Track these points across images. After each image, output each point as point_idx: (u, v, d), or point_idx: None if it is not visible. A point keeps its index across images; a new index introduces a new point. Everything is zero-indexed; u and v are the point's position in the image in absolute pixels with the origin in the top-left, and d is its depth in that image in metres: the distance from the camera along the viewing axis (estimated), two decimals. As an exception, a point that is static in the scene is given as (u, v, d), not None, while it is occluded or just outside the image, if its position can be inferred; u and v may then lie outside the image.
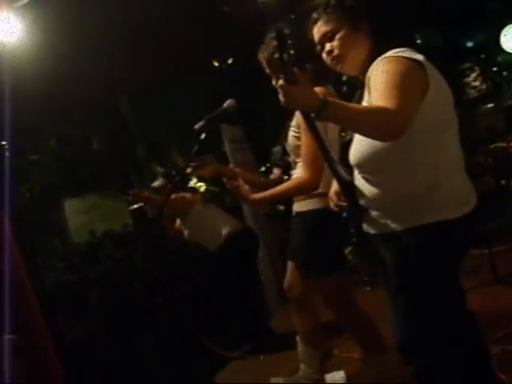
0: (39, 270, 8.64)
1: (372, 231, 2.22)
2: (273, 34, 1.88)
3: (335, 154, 2.36)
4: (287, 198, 3.25)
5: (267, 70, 3.07)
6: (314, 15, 2.33)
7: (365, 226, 2.25)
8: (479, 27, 11.89)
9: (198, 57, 7.70)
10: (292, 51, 1.86)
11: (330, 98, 1.85)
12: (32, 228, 14.07)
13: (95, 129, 14.14)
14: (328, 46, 2.28)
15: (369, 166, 2.14)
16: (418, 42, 12.29)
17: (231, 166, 5.60)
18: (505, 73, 11.94)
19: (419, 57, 2.04)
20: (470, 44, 12.82)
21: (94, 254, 10.18)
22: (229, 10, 5.25)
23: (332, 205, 2.46)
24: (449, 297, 2.15)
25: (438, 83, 2.08)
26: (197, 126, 3.46)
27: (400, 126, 1.87)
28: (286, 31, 1.89)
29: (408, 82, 1.95)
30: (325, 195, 2.72)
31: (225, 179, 3.13)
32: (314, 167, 2.83)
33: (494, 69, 12.11)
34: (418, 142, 2.04)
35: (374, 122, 1.88)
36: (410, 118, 1.90)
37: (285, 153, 3.24)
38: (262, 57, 3.04)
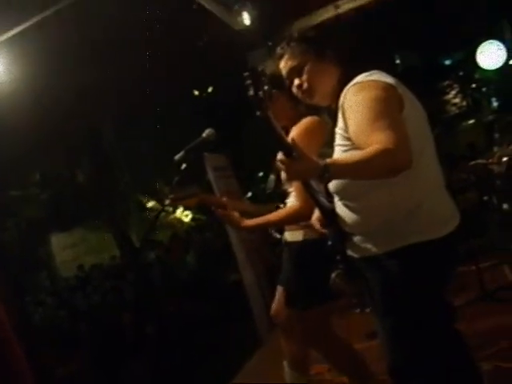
0: (27, 306, 8.56)
1: (356, 255, 2.21)
2: (246, 73, 1.88)
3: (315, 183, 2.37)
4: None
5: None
6: (279, 50, 2.35)
7: (349, 251, 2.24)
8: (456, 46, 12.08)
9: (178, 87, 7.73)
10: (266, 87, 1.87)
11: (329, 160, 1.89)
12: (19, 264, 13.96)
13: (79, 162, 14.12)
14: (297, 81, 2.29)
15: (347, 192, 2.14)
16: (397, 62, 12.48)
17: (216, 194, 5.60)
18: (483, 89, 12.10)
19: (389, 79, 2.06)
20: (447, 62, 13.00)
21: (83, 288, 10.09)
22: (207, 40, 5.30)
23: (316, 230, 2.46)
24: (436, 317, 2.13)
25: (411, 102, 2.09)
26: (177, 157, 3.46)
27: (403, 155, 1.87)
28: (261, 69, 1.91)
29: (387, 107, 1.96)
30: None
31: (212, 208, 3.11)
32: (306, 196, 2.83)
33: (473, 85, 12.26)
34: None
35: (378, 167, 1.89)
36: (407, 142, 1.90)
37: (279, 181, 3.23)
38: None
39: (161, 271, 9.78)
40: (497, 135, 5.50)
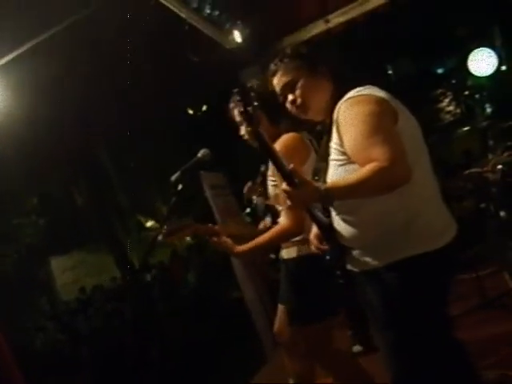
0: (28, 331, 8.52)
1: (355, 269, 2.22)
2: (235, 89, 1.91)
3: None
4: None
5: (236, 119, 3.10)
6: (272, 67, 2.35)
7: (348, 266, 2.25)
8: (447, 54, 12.15)
9: (172, 107, 7.76)
10: (256, 103, 1.89)
11: (329, 184, 1.98)
12: (20, 289, 13.92)
13: (76, 185, 14.13)
14: (290, 96, 2.30)
15: (344, 206, 2.14)
16: (390, 72, 12.55)
17: (214, 212, 5.61)
18: (477, 95, 12.14)
19: (382, 94, 2.07)
20: (440, 71, 13.06)
21: (84, 311, 10.05)
22: (198, 59, 5.33)
23: (313, 248, 2.46)
24: (437, 329, 2.13)
25: (404, 115, 2.10)
26: (173, 178, 3.47)
27: (401, 171, 1.91)
28: (250, 85, 1.94)
29: (381, 121, 1.97)
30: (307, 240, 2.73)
31: (206, 237, 3.11)
32: (294, 212, 2.83)
33: (466, 92, 12.30)
34: None
35: (378, 185, 1.93)
36: (404, 156, 1.92)
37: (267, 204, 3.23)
38: (232, 107, 3.08)
39: (161, 291, 9.75)
40: (491, 142, 5.51)
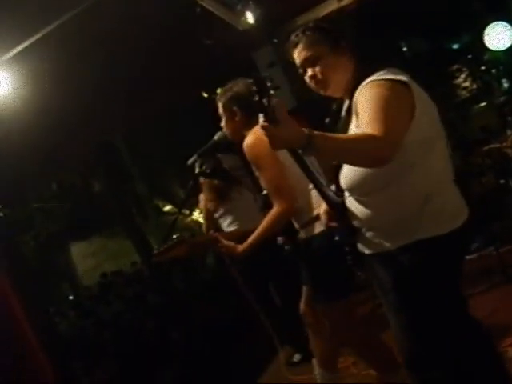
0: (52, 317, 8.63)
1: (367, 251, 2.22)
2: (251, 80, 1.86)
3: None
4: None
5: (220, 111, 3.14)
6: (293, 38, 2.29)
7: (359, 246, 2.24)
8: (462, 29, 11.98)
9: (187, 90, 7.75)
10: (272, 93, 1.85)
11: (316, 132, 1.83)
12: (41, 275, 14.08)
13: (94, 170, 14.21)
14: (310, 71, 2.25)
15: (360, 188, 2.13)
16: (404, 49, 12.42)
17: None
18: (493, 70, 11.98)
19: (403, 77, 2.04)
20: (455, 46, 12.89)
21: (105, 296, 10.15)
22: (212, 42, 5.31)
23: (322, 224, 2.46)
24: (452, 308, 2.14)
25: (422, 100, 2.07)
26: (190, 162, 3.49)
27: (388, 151, 1.87)
28: (265, 76, 1.90)
29: (394, 105, 1.95)
30: (316, 219, 2.75)
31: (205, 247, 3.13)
32: (280, 195, 2.85)
33: (482, 68, 12.16)
34: (407, 161, 2.03)
35: (361, 151, 1.88)
36: (398, 141, 1.90)
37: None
38: (219, 100, 3.13)
39: (182, 274, 9.81)
40: (509, 118, 5.44)
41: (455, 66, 12.54)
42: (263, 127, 1.81)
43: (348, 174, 2.14)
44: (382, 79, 2.02)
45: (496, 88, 11.96)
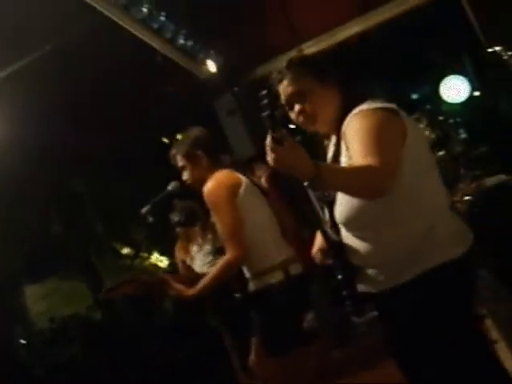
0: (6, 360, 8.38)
1: (373, 290, 2.13)
2: (263, 92, 1.78)
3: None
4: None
5: (179, 164, 3.14)
6: (276, 75, 2.25)
7: (361, 287, 2.16)
8: (421, 79, 12.29)
9: (147, 134, 7.76)
10: (282, 108, 1.81)
11: (322, 163, 1.79)
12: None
13: (50, 210, 13.96)
14: (298, 106, 2.20)
15: (356, 222, 2.09)
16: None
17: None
18: (451, 120, 12.27)
19: (392, 105, 2.05)
20: (415, 96, 13.20)
21: (58, 340, 9.88)
22: (172, 90, 5.35)
23: (317, 262, 2.42)
24: (472, 332, 2.08)
25: (413, 127, 2.08)
26: (143, 210, 3.48)
27: (387, 181, 1.85)
28: (276, 89, 1.86)
29: (386, 134, 1.94)
30: (271, 270, 2.74)
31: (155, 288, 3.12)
32: (234, 243, 2.86)
33: (441, 118, 12.44)
34: (403, 189, 2.00)
35: (363, 182, 1.85)
36: (393, 171, 1.89)
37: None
38: (175, 153, 3.13)
39: (137, 319, 9.63)
40: (462, 170, 5.54)
41: (415, 116, 12.78)
42: (269, 146, 1.71)
43: (344, 206, 2.10)
44: (371, 108, 2.02)
45: (454, 138, 12.23)
